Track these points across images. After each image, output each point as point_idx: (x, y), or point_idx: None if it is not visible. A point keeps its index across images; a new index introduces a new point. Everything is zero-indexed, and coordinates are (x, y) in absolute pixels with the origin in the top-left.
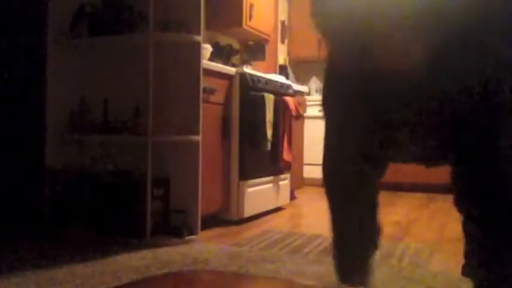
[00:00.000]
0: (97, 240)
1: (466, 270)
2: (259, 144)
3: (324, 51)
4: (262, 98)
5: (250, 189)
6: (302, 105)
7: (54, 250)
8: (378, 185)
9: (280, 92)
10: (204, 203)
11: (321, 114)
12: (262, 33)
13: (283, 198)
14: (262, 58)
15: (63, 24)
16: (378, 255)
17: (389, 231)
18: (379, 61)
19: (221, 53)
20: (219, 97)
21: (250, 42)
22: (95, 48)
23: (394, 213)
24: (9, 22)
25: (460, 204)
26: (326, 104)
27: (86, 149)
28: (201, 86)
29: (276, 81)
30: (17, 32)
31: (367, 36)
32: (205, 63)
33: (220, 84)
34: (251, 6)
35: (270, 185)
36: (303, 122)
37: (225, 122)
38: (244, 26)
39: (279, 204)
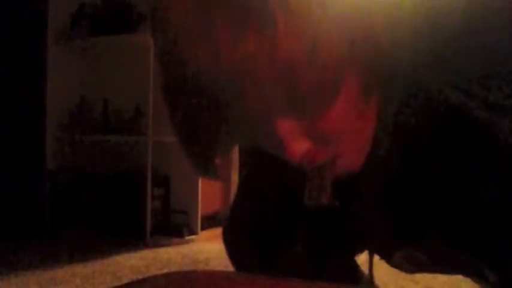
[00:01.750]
0: (97, 240)
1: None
2: None
3: None
4: None
5: None
6: None
7: (54, 250)
8: None
9: None
10: (204, 203)
11: None
12: None
13: None
14: None
15: (63, 24)
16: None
17: None
18: None
19: None
20: None
21: None
22: (95, 48)
23: None
24: (9, 22)
25: None
26: None
27: (86, 149)
28: None
29: None
30: (17, 32)
31: None
32: None
33: None
34: None
35: None
36: None
37: None
38: None
39: None
